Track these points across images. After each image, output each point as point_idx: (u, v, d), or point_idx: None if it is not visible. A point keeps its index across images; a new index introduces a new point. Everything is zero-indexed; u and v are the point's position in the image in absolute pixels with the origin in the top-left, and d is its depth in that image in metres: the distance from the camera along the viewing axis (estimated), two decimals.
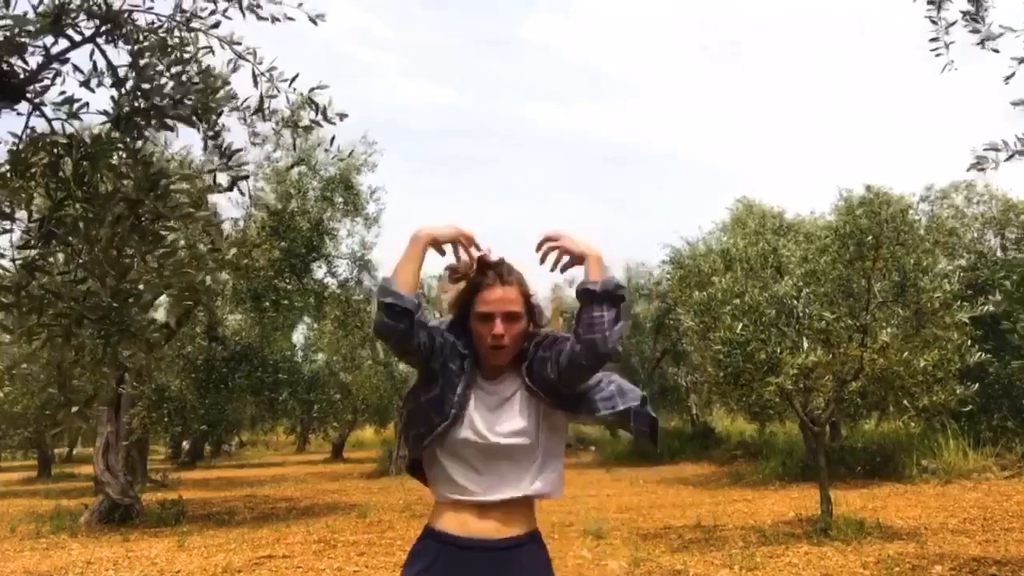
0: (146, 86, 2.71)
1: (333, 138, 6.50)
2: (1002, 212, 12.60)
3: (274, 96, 3.18)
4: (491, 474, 1.86)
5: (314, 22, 3.15)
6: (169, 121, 2.77)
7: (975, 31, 3.99)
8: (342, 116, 3.31)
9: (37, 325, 2.57)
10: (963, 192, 12.86)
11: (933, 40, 4.02)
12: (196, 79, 2.82)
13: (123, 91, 2.74)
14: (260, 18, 3.13)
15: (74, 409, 2.81)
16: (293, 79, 3.19)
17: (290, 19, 3.14)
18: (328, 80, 3.26)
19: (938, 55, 4.04)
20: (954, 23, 4.03)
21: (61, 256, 2.86)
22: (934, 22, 4.03)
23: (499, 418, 1.88)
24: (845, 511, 7.56)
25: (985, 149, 4.09)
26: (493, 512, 1.86)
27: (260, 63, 3.15)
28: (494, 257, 1.94)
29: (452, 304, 1.98)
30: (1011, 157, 4.00)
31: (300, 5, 3.12)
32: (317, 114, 3.27)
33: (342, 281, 11.78)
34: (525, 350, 1.92)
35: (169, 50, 2.84)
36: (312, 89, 3.25)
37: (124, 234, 2.60)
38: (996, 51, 3.97)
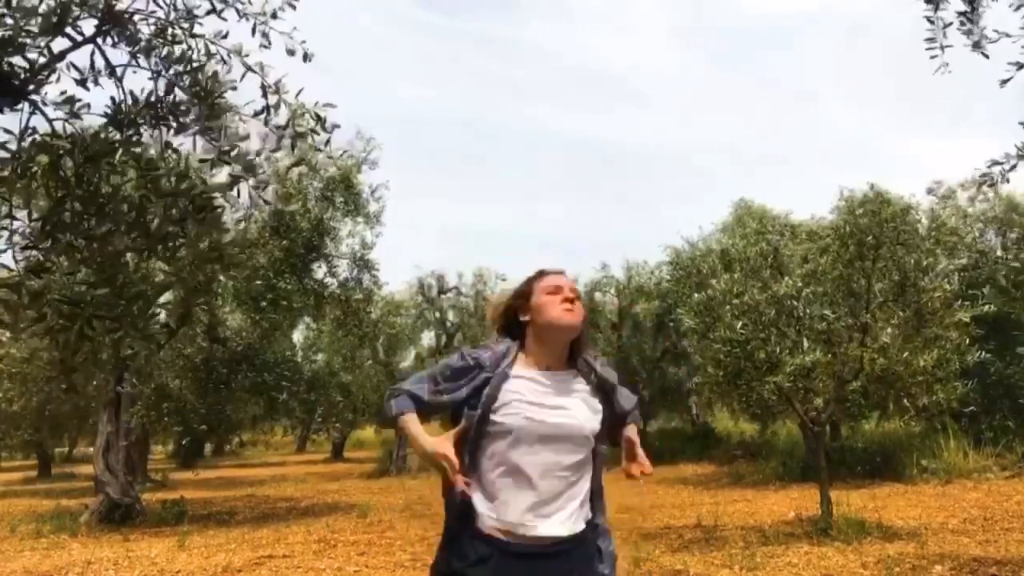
0: (169, 96, 2.76)
1: (328, 141, 6.62)
2: (1004, 211, 12.60)
3: (277, 106, 3.35)
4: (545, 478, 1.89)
5: (306, 59, 3.42)
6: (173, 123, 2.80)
7: (968, 32, 3.99)
8: (335, 127, 3.55)
9: (37, 322, 2.56)
10: (966, 190, 12.86)
11: (929, 40, 4.01)
12: (206, 84, 2.87)
13: (124, 92, 2.75)
14: (263, 44, 3.32)
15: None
16: (299, 92, 3.38)
17: (290, 52, 3.38)
18: (327, 78, 3.38)
19: (933, 56, 4.03)
20: (950, 24, 4.02)
21: (64, 257, 2.85)
22: (931, 22, 4.02)
23: (556, 405, 1.90)
24: (845, 511, 7.55)
25: (988, 165, 4.12)
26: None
27: (267, 75, 3.31)
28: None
29: (501, 308, 2.05)
30: (1014, 167, 4.02)
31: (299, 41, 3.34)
32: (316, 124, 3.46)
33: (342, 281, 11.79)
34: (589, 366, 1.97)
35: (176, 55, 2.88)
36: (317, 103, 3.45)
37: (124, 233, 2.59)
38: (986, 56, 3.97)
